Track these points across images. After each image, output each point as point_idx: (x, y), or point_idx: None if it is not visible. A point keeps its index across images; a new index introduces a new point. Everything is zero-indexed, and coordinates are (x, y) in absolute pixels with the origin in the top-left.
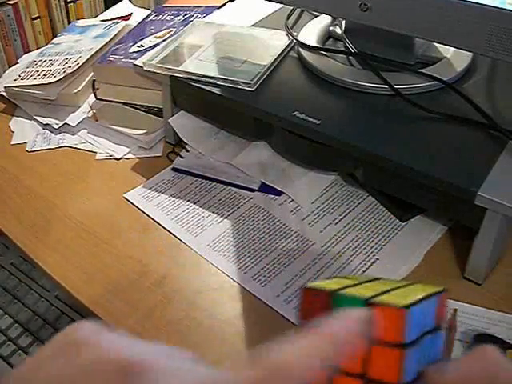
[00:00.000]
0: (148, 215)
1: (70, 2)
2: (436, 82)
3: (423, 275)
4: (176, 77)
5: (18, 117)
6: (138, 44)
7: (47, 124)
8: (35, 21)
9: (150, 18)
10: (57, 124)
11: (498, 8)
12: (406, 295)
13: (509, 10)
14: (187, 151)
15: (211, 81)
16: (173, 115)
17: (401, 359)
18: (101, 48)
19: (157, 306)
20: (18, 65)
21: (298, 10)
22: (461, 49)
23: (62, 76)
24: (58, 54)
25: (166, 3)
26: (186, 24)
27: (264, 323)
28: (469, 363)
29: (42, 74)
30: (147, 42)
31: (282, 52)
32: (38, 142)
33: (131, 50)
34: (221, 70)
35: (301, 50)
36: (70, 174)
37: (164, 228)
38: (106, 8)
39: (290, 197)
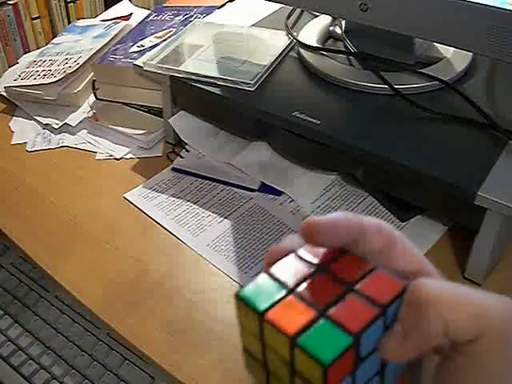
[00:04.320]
0: (148, 215)
1: (70, 2)
2: (436, 82)
3: None
4: (176, 77)
5: (18, 117)
6: (138, 44)
7: (47, 124)
8: (35, 21)
9: (150, 17)
10: (57, 124)
11: (498, 8)
12: None
13: (509, 10)
14: (187, 151)
15: (211, 81)
16: (173, 115)
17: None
18: (101, 48)
19: (157, 305)
20: (17, 65)
21: (298, 10)
22: (461, 49)
23: (62, 76)
24: (58, 54)
25: (166, 3)
26: (186, 24)
27: None
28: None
29: (42, 74)
30: (147, 42)
31: (282, 52)
32: (38, 142)
33: (131, 50)
34: (221, 70)
35: (301, 50)
36: (70, 174)
37: (164, 228)
38: (106, 8)
39: (289, 197)
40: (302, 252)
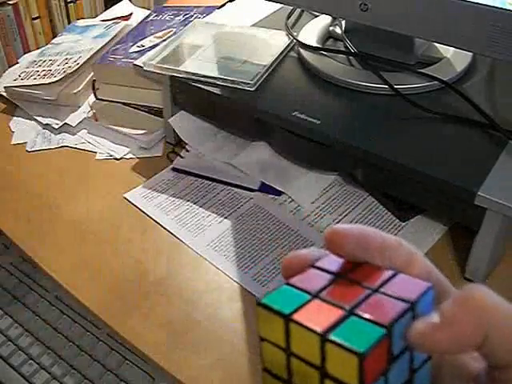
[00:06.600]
0: (148, 215)
1: (70, 2)
2: (436, 82)
3: None
4: (176, 77)
5: (17, 117)
6: (138, 44)
7: (47, 124)
8: (35, 21)
9: (150, 18)
10: (57, 124)
11: (498, 8)
12: None
13: (509, 9)
14: (187, 151)
15: (211, 81)
16: (173, 115)
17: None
18: (101, 48)
19: (157, 305)
20: (17, 65)
21: (298, 10)
22: (461, 49)
23: (62, 76)
24: (58, 54)
25: (166, 3)
26: (186, 24)
27: None
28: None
29: (42, 74)
30: (147, 42)
31: (282, 52)
32: (38, 142)
33: (131, 50)
34: (221, 70)
35: (301, 50)
36: (70, 174)
37: (164, 228)
38: (106, 8)
39: (289, 197)
40: (320, 263)
